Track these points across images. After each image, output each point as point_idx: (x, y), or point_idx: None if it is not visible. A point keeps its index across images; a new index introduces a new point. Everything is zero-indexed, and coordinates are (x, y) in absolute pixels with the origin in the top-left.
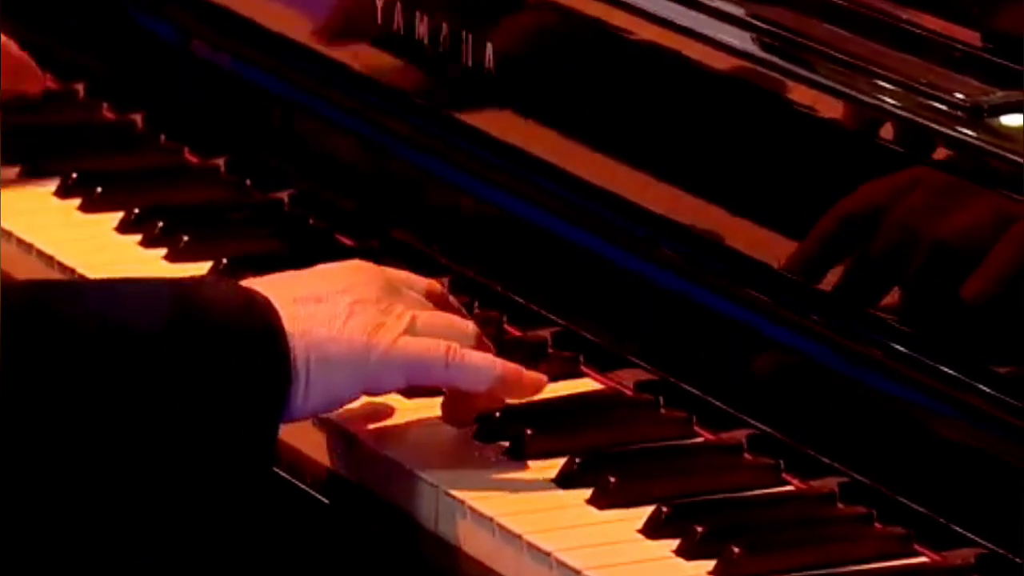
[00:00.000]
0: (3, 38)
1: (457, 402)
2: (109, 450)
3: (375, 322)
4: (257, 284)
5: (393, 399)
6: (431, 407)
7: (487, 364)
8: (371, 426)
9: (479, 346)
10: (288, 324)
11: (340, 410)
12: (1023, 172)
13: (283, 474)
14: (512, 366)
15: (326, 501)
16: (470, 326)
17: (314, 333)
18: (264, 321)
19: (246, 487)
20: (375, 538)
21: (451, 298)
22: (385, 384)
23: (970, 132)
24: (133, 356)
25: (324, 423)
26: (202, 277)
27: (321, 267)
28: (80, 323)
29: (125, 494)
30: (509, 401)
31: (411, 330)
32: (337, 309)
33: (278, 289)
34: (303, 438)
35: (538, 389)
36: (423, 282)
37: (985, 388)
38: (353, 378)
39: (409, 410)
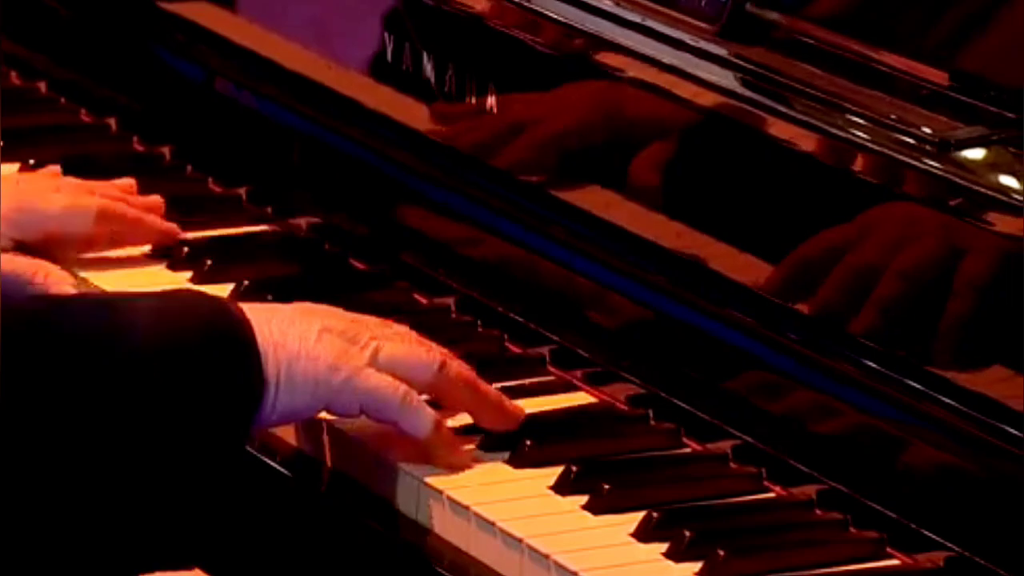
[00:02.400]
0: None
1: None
2: (94, 453)
3: (342, 347)
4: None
5: None
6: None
7: (432, 422)
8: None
9: (440, 380)
10: (261, 339)
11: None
12: (985, 202)
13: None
14: (451, 434)
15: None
16: (435, 359)
17: (286, 348)
18: (239, 333)
19: (220, 484)
20: (387, 542)
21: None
22: (342, 408)
23: (937, 165)
24: (117, 367)
25: (342, 437)
26: (183, 290)
27: (296, 304)
28: (70, 337)
29: (107, 491)
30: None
31: (374, 362)
32: (308, 332)
33: (255, 312)
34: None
35: (466, 461)
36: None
37: (950, 402)
38: (314, 396)
39: None
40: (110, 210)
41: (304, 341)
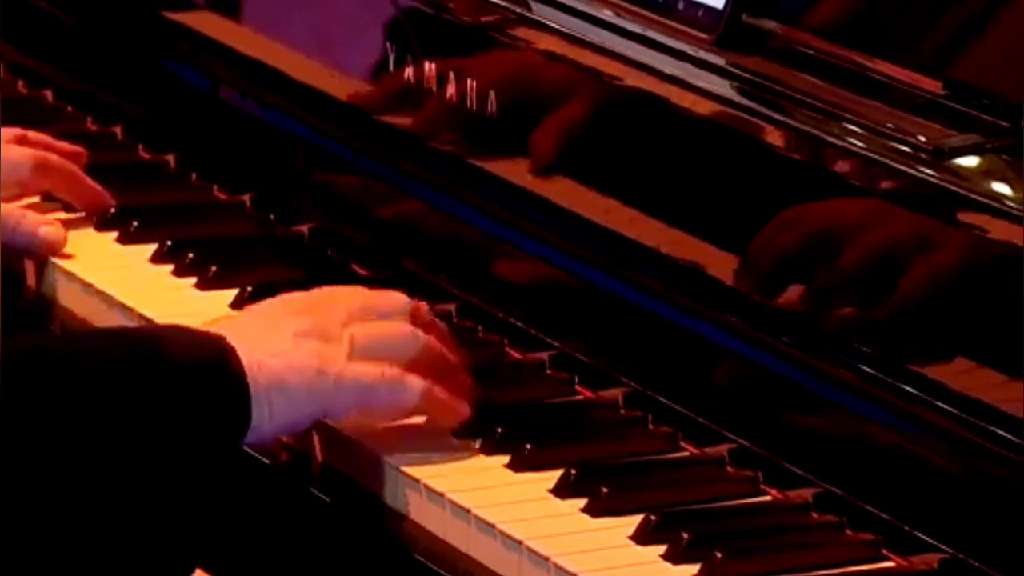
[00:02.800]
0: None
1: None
2: (92, 484)
3: (320, 349)
4: (213, 327)
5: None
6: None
7: (420, 386)
8: (390, 441)
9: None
10: (245, 360)
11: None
12: (980, 209)
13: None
14: (440, 392)
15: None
16: (407, 331)
17: (269, 365)
18: (226, 361)
19: (211, 500)
20: (383, 539)
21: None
22: (339, 409)
23: (932, 172)
24: (112, 403)
25: (334, 436)
26: (167, 327)
27: (254, 306)
28: (71, 377)
29: (103, 514)
30: (511, 414)
31: (352, 352)
32: (284, 341)
33: (233, 332)
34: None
35: (465, 414)
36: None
37: (944, 406)
38: (311, 404)
39: (423, 425)
40: (48, 163)
41: (284, 355)
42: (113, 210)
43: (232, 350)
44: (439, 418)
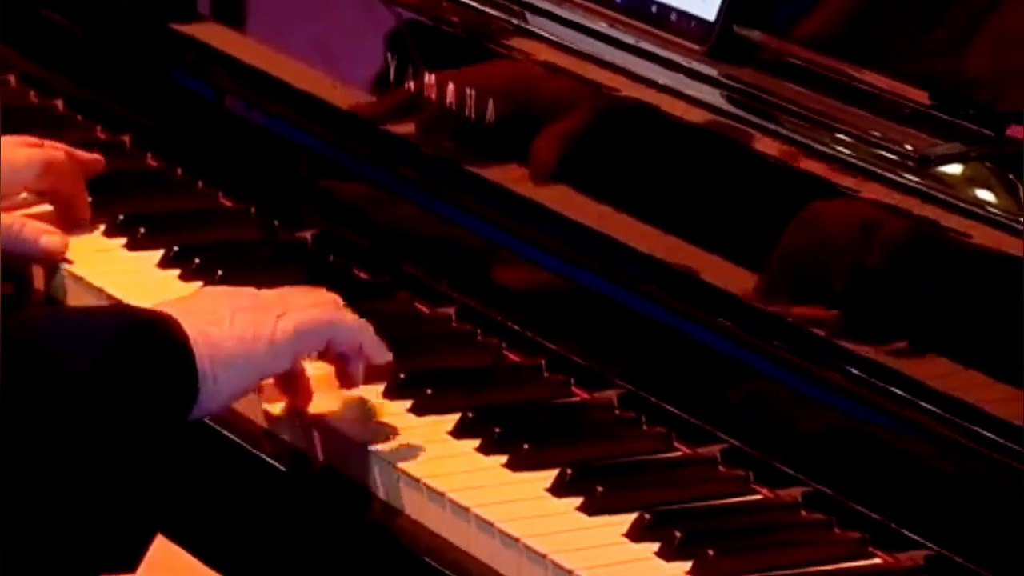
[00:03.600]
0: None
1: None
2: (49, 457)
3: (254, 317)
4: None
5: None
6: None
7: (362, 324)
8: (392, 442)
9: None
10: (191, 332)
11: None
12: (963, 215)
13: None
14: (374, 336)
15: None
16: (335, 297)
17: (210, 338)
18: (172, 335)
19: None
20: (385, 537)
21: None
22: (279, 365)
23: (917, 179)
24: (66, 381)
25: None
26: (120, 305)
27: (200, 292)
28: (28, 356)
29: (56, 488)
30: (509, 415)
31: (284, 316)
32: (222, 315)
33: (176, 311)
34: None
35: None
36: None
37: (929, 407)
38: (250, 368)
39: (423, 426)
40: (55, 164)
41: (221, 324)
42: (122, 217)
43: (176, 322)
44: (372, 357)
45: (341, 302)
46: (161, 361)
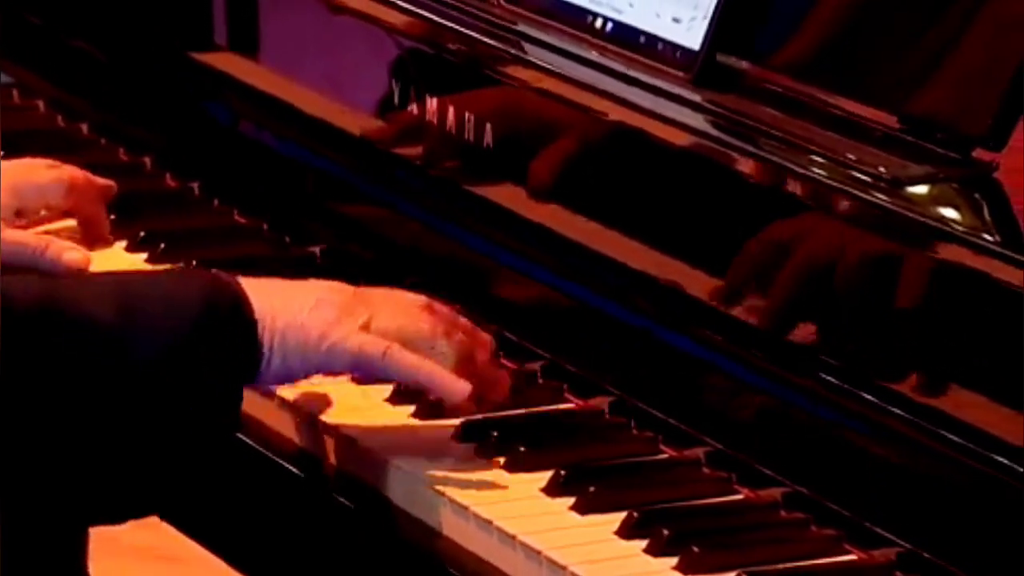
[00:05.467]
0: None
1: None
2: (97, 415)
3: (333, 317)
4: (244, 282)
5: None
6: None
7: (416, 366)
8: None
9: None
10: (259, 310)
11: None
12: (932, 233)
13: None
14: (439, 370)
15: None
16: (424, 328)
17: (279, 319)
18: (236, 304)
19: (215, 446)
20: (388, 536)
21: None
22: (334, 369)
23: (888, 199)
24: (125, 344)
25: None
26: (187, 269)
27: (306, 280)
28: (83, 313)
29: (110, 455)
30: (505, 421)
31: (364, 328)
32: (304, 303)
33: (261, 286)
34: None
35: (464, 392)
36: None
37: (900, 412)
38: (304, 361)
39: (427, 429)
40: (78, 183)
41: (299, 312)
42: (142, 233)
43: (248, 303)
44: (435, 394)
45: (432, 330)
46: (229, 339)
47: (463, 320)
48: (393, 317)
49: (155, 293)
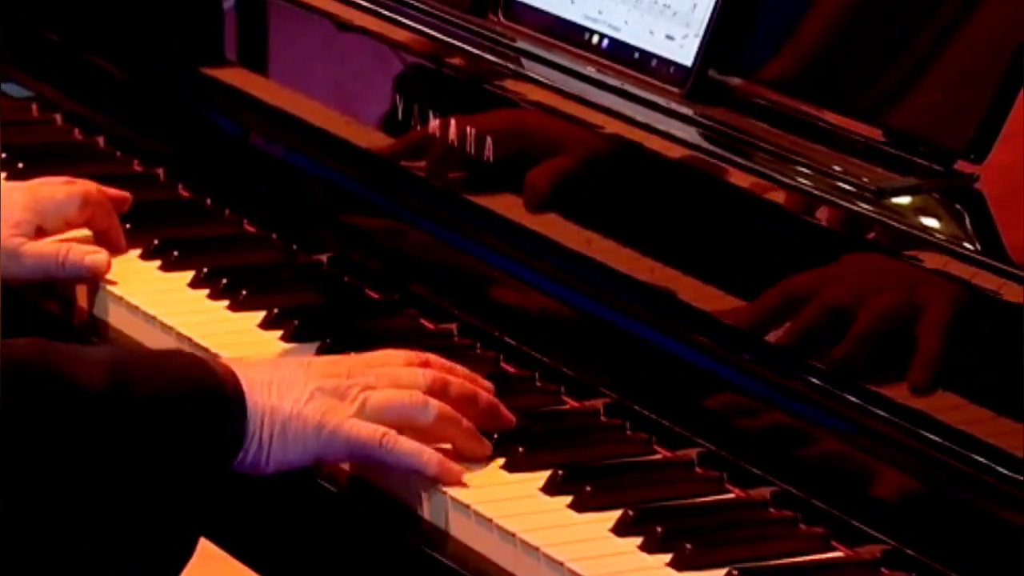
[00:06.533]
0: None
1: None
2: (85, 482)
3: (329, 405)
4: (240, 366)
5: None
6: None
7: (415, 452)
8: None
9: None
10: (259, 404)
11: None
12: (915, 242)
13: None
14: (436, 457)
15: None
16: (417, 402)
17: (280, 412)
18: (225, 397)
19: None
20: (391, 533)
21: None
22: (331, 457)
23: (873, 209)
24: (117, 419)
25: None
26: (183, 354)
27: (299, 361)
28: (77, 388)
29: (99, 518)
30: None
31: (361, 412)
32: (302, 394)
33: (259, 376)
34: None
35: (457, 478)
36: (402, 356)
37: (883, 414)
38: (304, 451)
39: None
40: (92, 196)
41: (296, 403)
42: (156, 242)
43: (235, 389)
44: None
45: (424, 402)
46: (213, 421)
47: (460, 368)
48: (385, 392)
49: (147, 367)
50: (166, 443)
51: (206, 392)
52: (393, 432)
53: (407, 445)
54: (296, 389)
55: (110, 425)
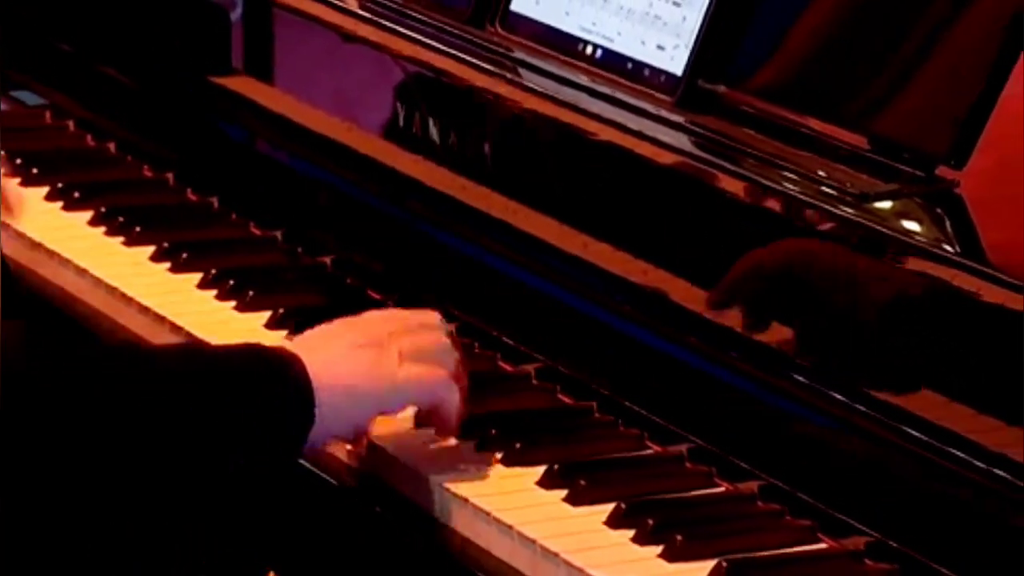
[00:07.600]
0: None
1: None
2: (176, 470)
3: (375, 356)
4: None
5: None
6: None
7: (459, 388)
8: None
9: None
10: (312, 367)
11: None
12: (897, 245)
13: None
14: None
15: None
16: (445, 342)
17: (334, 371)
18: (295, 373)
19: (276, 493)
20: (393, 527)
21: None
22: (393, 409)
23: (856, 214)
24: (199, 404)
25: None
26: (254, 345)
27: (324, 326)
28: (160, 377)
29: (178, 499)
30: (503, 419)
31: (401, 359)
32: (343, 352)
33: (302, 349)
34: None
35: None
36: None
37: (866, 410)
38: (373, 403)
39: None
40: None
41: (345, 362)
42: (166, 244)
43: (296, 357)
44: (452, 418)
45: (448, 343)
46: (285, 396)
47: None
48: (412, 338)
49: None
50: (240, 437)
51: (279, 375)
52: (441, 370)
53: (455, 384)
54: (334, 350)
55: (191, 409)
